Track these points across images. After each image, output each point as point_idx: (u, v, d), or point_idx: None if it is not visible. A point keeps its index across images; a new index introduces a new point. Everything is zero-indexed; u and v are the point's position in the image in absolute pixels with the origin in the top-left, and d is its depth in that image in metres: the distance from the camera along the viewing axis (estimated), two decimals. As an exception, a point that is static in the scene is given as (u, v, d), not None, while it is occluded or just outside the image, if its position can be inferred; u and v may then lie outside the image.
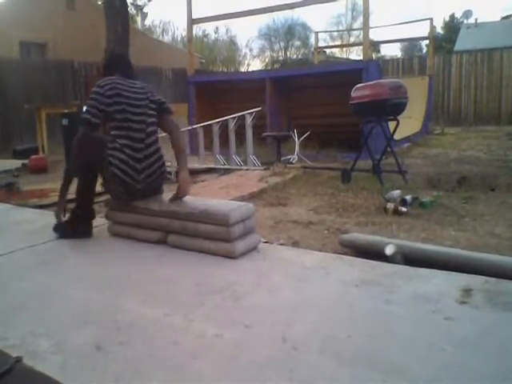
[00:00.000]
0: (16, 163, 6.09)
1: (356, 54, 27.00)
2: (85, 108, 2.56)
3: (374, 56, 23.87)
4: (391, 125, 4.64)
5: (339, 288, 1.78)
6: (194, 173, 5.36)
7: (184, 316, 1.56)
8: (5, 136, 8.57)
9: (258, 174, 4.81)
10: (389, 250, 2.11)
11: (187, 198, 2.43)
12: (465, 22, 23.80)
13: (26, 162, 5.92)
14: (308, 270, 1.98)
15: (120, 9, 8.54)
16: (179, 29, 28.01)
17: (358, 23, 26.11)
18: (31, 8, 11.08)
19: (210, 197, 3.38)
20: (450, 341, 1.35)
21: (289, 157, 5.75)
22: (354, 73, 6.04)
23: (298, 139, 5.93)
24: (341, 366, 1.24)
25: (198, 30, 25.40)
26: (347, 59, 22.52)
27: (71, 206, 2.64)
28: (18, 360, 1.28)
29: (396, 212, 3.08)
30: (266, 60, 30.03)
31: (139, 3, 23.40)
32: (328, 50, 20.40)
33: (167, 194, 2.67)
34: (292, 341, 1.37)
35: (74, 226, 2.57)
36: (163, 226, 2.39)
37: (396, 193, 3.41)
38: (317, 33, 15.61)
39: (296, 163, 5.51)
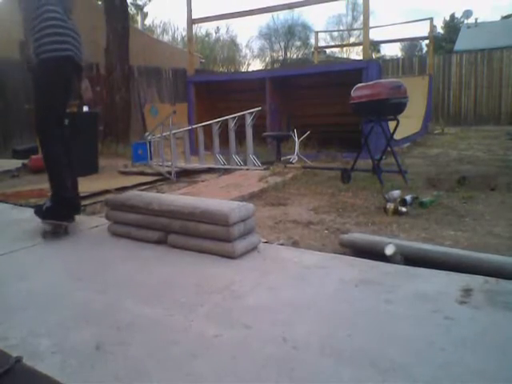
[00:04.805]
0: (16, 163, 6.09)
1: (356, 54, 27.03)
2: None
3: (374, 56, 23.88)
4: (391, 124, 4.64)
5: (339, 288, 1.78)
6: (195, 172, 5.38)
7: (184, 316, 1.57)
8: (5, 136, 8.57)
9: (257, 173, 4.81)
10: (389, 250, 2.11)
11: (187, 198, 2.43)
12: (465, 21, 23.77)
13: (26, 161, 5.93)
14: (308, 269, 1.98)
15: (120, 8, 8.56)
16: (179, 28, 28.06)
17: (359, 23, 26.14)
18: (31, 8, 11.09)
19: (211, 197, 3.38)
20: (449, 340, 1.35)
21: (289, 156, 5.75)
22: (354, 72, 6.04)
23: (298, 139, 5.93)
24: (341, 365, 1.24)
25: (198, 29, 25.43)
26: (347, 59, 22.52)
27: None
28: (18, 360, 1.28)
29: (396, 212, 3.08)
30: (266, 60, 30.06)
31: (139, 3, 23.42)
32: (328, 50, 20.44)
33: (168, 193, 2.67)
34: (292, 340, 1.37)
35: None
36: (163, 225, 2.39)
37: (396, 193, 3.41)
38: (317, 32, 15.64)
39: (296, 163, 5.51)
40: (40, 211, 2.72)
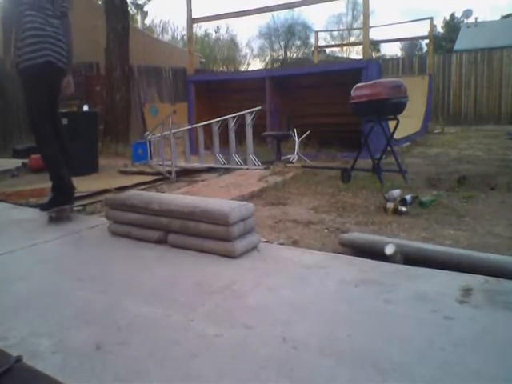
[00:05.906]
0: (16, 162, 6.09)
1: (356, 54, 27.02)
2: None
3: (374, 55, 23.88)
4: (391, 124, 4.64)
5: (339, 287, 1.78)
6: (195, 172, 5.38)
7: (184, 316, 1.57)
8: (5, 135, 8.57)
9: (258, 173, 4.80)
10: (389, 250, 2.11)
11: (187, 198, 2.44)
12: (465, 21, 23.80)
13: (26, 161, 5.92)
14: (308, 269, 1.98)
15: (120, 8, 8.55)
16: (179, 28, 28.05)
17: (359, 22, 26.14)
18: (31, 7, 11.07)
19: (211, 196, 3.37)
20: (450, 340, 1.35)
21: (289, 156, 5.75)
22: (354, 72, 6.03)
23: (298, 138, 5.93)
24: (341, 365, 1.24)
25: (198, 29, 25.43)
26: (347, 58, 22.52)
27: None
28: (18, 359, 1.28)
29: (396, 211, 3.08)
30: (266, 59, 30.05)
31: (139, 2, 23.41)
32: (328, 50, 20.44)
33: (168, 193, 2.67)
34: (292, 340, 1.37)
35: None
36: (163, 225, 2.39)
37: (396, 192, 3.41)
38: (317, 32, 15.64)
39: (296, 162, 5.51)
40: (44, 206, 3.05)
